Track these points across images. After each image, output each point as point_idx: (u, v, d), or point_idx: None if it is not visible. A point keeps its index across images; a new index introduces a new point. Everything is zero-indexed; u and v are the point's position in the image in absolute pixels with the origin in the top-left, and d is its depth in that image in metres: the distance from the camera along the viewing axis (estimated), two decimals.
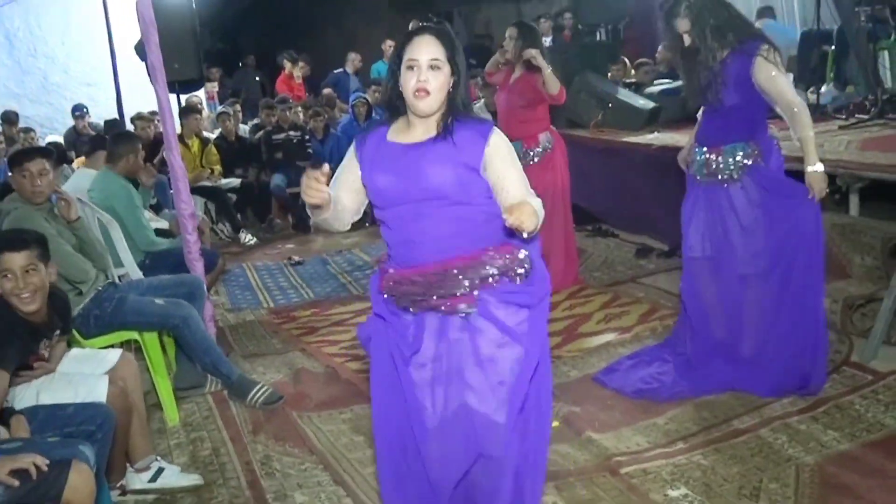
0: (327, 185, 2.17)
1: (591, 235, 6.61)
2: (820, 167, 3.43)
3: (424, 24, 2.30)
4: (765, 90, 3.44)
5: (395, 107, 2.29)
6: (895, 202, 4.50)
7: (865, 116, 5.91)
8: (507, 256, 2.27)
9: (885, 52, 6.98)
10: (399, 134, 2.30)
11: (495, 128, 2.28)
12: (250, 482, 3.29)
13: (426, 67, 2.19)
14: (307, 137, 8.39)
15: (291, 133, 8.31)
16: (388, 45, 10.83)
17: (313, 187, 2.11)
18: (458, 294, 2.23)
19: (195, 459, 3.53)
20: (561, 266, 5.35)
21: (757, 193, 3.55)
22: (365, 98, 8.93)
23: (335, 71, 11.36)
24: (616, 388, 3.82)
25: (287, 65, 10.91)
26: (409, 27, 6.32)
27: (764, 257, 3.57)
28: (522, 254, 2.29)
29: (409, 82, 2.19)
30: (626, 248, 6.25)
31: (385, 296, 2.34)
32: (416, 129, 2.27)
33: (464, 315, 2.24)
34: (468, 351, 2.24)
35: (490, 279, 2.24)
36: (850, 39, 6.62)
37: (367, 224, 8.13)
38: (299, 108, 9.09)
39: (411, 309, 2.28)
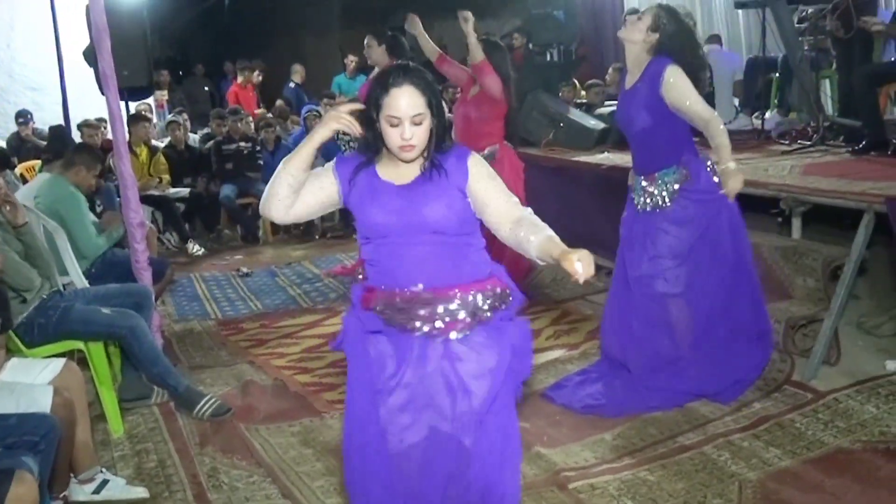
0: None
1: None
2: (733, 164, 3.50)
3: (399, 67, 2.23)
4: (677, 108, 3.49)
5: (378, 149, 2.27)
6: (836, 226, 4.64)
7: (808, 142, 6.08)
8: (498, 290, 2.31)
9: (827, 81, 7.20)
10: (388, 172, 2.29)
11: (468, 148, 2.32)
12: (197, 495, 3.25)
13: (409, 124, 2.17)
14: (258, 149, 8.34)
15: (242, 144, 8.24)
16: (350, 60, 10.83)
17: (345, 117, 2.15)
18: (447, 321, 2.24)
19: (140, 472, 3.47)
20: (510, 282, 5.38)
21: (688, 212, 3.63)
22: (318, 111, 8.90)
23: (289, 85, 11.38)
24: (564, 403, 3.86)
25: (238, 73, 10.84)
26: (365, 42, 6.40)
27: (694, 274, 3.67)
28: (508, 287, 2.34)
29: (392, 138, 2.18)
30: None
31: (372, 312, 2.32)
32: (404, 169, 2.27)
33: (445, 340, 2.25)
34: (444, 378, 2.24)
35: (482, 313, 2.26)
36: (793, 67, 6.81)
37: (316, 237, 8.15)
38: (250, 120, 9.04)
39: (397, 328, 2.28)
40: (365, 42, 6.39)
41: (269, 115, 9.60)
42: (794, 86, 7.27)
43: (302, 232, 8.35)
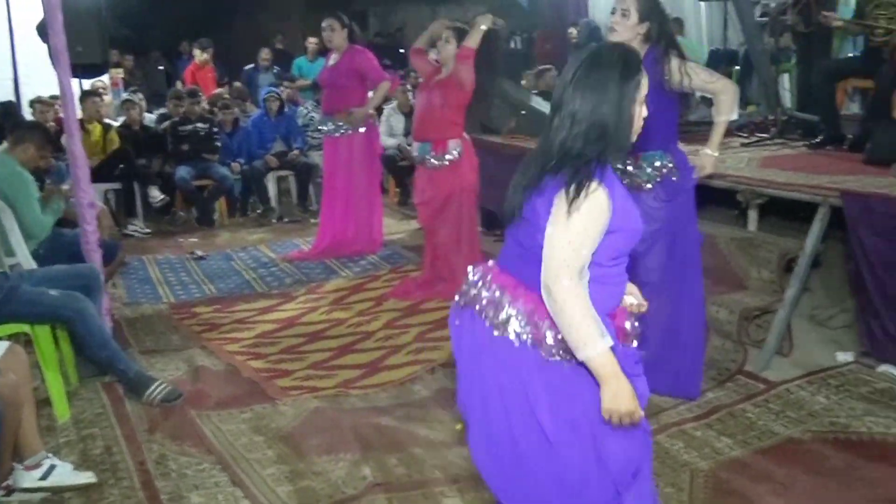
0: None
1: (499, 241, 6.65)
2: (716, 153, 3.59)
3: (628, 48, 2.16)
4: (686, 87, 3.51)
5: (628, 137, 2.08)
6: (792, 219, 4.68)
7: (766, 136, 6.14)
8: None
9: (787, 75, 7.27)
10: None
11: None
12: (144, 482, 3.17)
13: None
14: (215, 130, 8.20)
15: (199, 125, 8.08)
16: (311, 42, 10.71)
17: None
18: None
19: (86, 458, 3.38)
20: (466, 269, 5.37)
21: (662, 203, 3.63)
22: (277, 93, 8.79)
23: (246, 67, 11.24)
24: None
25: (196, 53, 10.65)
26: (327, 25, 6.33)
27: (661, 268, 3.67)
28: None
29: (639, 118, 2.09)
30: None
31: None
32: None
33: None
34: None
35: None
36: (754, 61, 6.87)
37: (273, 221, 8.05)
38: (206, 102, 8.89)
39: None
40: (326, 25, 6.36)
41: (227, 96, 9.43)
42: (755, 79, 7.34)
43: (259, 216, 8.26)
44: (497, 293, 2.07)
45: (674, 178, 3.61)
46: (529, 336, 2.01)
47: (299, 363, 4.40)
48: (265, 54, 11.25)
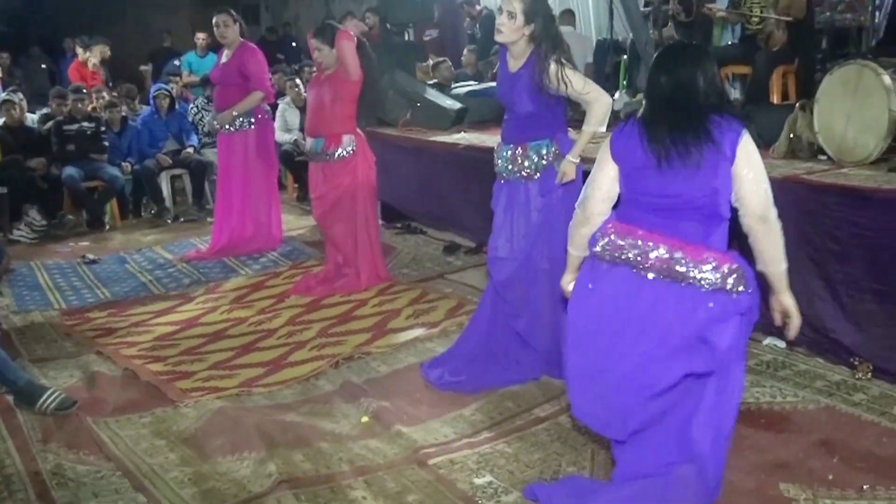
0: None
1: (400, 233, 6.69)
2: (576, 160, 3.64)
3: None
4: (562, 93, 3.59)
5: None
6: None
7: None
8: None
9: None
10: None
11: None
12: (40, 494, 3.07)
13: None
14: (103, 129, 7.92)
15: (85, 124, 7.79)
16: (200, 38, 10.47)
17: None
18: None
19: None
20: (368, 264, 5.39)
21: (549, 184, 3.71)
22: (167, 90, 8.57)
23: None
24: (430, 381, 3.89)
25: (80, 52, 10.27)
26: (219, 21, 6.23)
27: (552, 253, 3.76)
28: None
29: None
30: (434, 245, 6.37)
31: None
32: None
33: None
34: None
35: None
36: (640, 51, 7.07)
37: (168, 221, 7.85)
38: (104, 94, 8.58)
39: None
40: (218, 21, 6.25)
41: (115, 94, 9.12)
42: (642, 68, 7.55)
43: (153, 216, 8.04)
44: (663, 251, 2.52)
45: (558, 160, 3.68)
46: (710, 279, 2.48)
47: (200, 364, 4.32)
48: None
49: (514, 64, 3.68)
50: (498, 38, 3.62)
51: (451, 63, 8.45)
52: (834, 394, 3.54)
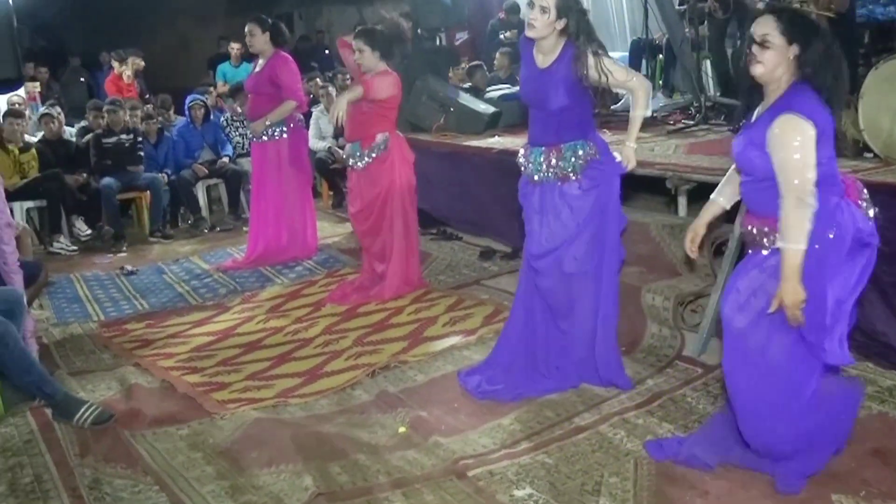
0: None
1: (435, 239, 6.64)
2: (635, 144, 3.76)
3: None
4: (603, 84, 3.55)
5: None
6: None
7: (691, 122, 6.23)
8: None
9: (709, 61, 7.40)
10: None
11: None
12: None
13: None
14: (140, 140, 7.98)
15: (123, 136, 7.86)
16: (234, 47, 10.53)
17: None
18: None
19: (14, 489, 3.24)
20: (403, 269, 5.34)
21: (594, 182, 3.64)
22: (202, 101, 8.61)
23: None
24: (468, 390, 3.83)
25: (115, 65, 10.38)
26: (248, 30, 6.23)
27: (590, 255, 3.69)
28: None
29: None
30: (469, 250, 6.31)
31: None
32: None
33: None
34: None
35: None
36: (675, 49, 6.97)
37: (205, 231, 7.88)
38: (130, 110, 8.65)
39: None
40: (247, 30, 6.27)
41: (150, 105, 9.20)
42: (678, 67, 7.44)
43: (190, 226, 8.08)
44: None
45: (599, 162, 3.64)
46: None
47: (236, 375, 4.30)
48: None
49: (544, 59, 3.62)
50: (530, 33, 3.57)
51: (486, 67, 8.40)
52: (886, 400, 3.42)
